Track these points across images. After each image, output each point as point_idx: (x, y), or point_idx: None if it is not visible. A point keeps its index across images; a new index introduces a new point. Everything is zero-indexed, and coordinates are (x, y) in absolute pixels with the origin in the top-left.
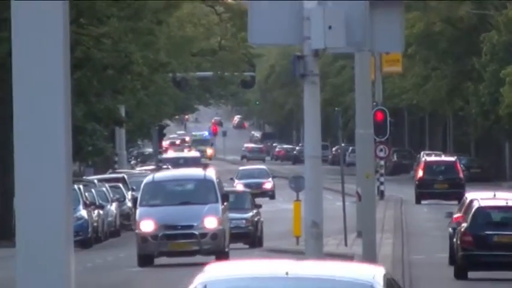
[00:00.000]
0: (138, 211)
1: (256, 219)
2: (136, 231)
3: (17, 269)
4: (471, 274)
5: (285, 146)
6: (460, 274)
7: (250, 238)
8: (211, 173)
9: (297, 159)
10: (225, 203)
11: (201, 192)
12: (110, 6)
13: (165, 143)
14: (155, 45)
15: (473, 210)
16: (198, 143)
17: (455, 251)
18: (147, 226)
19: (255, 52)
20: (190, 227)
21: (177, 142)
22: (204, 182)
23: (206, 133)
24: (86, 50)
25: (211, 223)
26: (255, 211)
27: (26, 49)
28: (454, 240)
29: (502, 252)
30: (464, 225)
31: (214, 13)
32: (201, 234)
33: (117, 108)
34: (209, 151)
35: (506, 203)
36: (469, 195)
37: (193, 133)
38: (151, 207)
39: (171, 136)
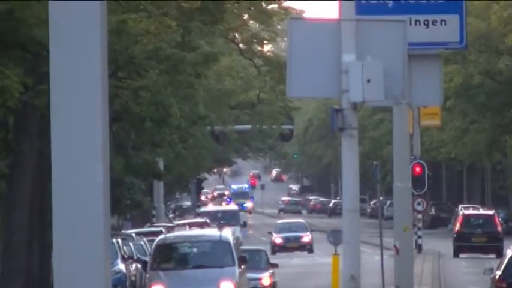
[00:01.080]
0: (148, 275)
1: (273, 280)
2: None
3: None
4: None
5: (322, 199)
6: None
7: None
8: (227, 233)
9: (333, 212)
10: (243, 266)
11: (216, 255)
12: (148, 59)
13: (205, 197)
14: (194, 98)
15: (508, 258)
16: (237, 196)
17: None
18: None
19: (293, 105)
20: None
21: (215, 194)
22: (220, 243)
23: (246, 186)
24: (124, 103)
25: (227, 287)
26: (270, 271)
27: (64, 101)
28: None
29: None
30: (498, 272)
31: (252, 66)
32: None
33: (155, 162)
34: (249, 204)
35: None
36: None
37: (233, 185)
38: (163, 271)
39: (217, 187)
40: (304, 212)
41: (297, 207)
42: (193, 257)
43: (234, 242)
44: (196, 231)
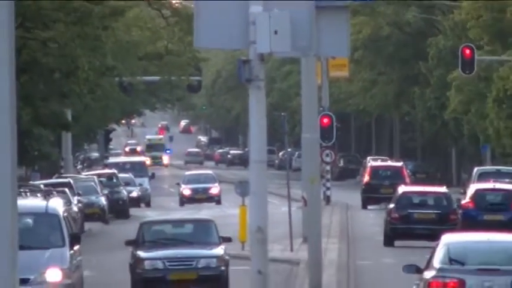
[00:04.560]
0: None
1: (227, 257)
2: None
3: None
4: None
5: (221, 150)
6: (388, 242)
7: (222, 283)
8: (55, 204)
9: (231, 163)
10: (76, 247)
11: (40, 233)
12: (56, 11)
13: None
14: (102, 50)
15: (399, 193)
16: (152, 148)
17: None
18: None
19: (202, 56)
20: (25, 281)
21: (127, 150)
22: (46, 217)
23: (162, 137)
24: (32, 54)
25: (54, 276)
26: (222, 247)
27: None
28: (385, 218)
29: (421, 225)
30: (392, 205)
31: (160, 17)
32: None
33: (63, 113)
34: (165, 159)
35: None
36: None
37: (148, 137)
38: None
39: (129, 142)
40: (211, 163)
41: (197, 158)
42: None
43: (65, 214)
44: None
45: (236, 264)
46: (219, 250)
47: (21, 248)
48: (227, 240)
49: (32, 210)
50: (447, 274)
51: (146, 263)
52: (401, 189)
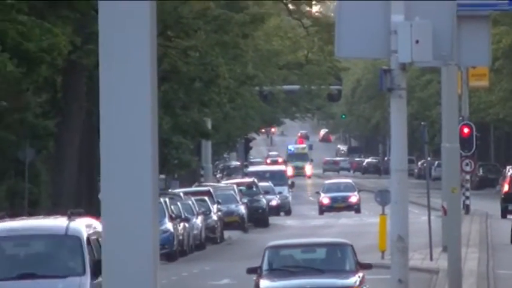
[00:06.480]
0: None
1: (365, 287)
2: None
3: (104, 283)
4: None
5: (357, 159)
6: None
7: None
8: (78, 225)
9: (366, 171)
10: (100, 278)
11: (57, 258)
12: (196, 19)
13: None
14: (242, 59)
15: None
16: (294, 157)
17: None
18: None
19: (342, 66)
20: None
21: (268, 161)
22: (65, 240)
23: (305, 146)
24: (173, 63)
25: None
26: (360, 275)
27: (113, 60)
28: None
29: None
30: None
31: (301, 26)
32: None
33: (203, 121)
34: (307, 168)
35: None
36: None
37: (290, 146)
38: None
39: (270, 154)
40: (347, 172)
41: (335, 166)
42: (21, 261)
43: (92, 236)
44: (32, 222)
45: (376, 274)
46: (356, 278)
47: (33, 276)
48: (367, 267)
49: (48, 232)
50: None
51: None
52: None
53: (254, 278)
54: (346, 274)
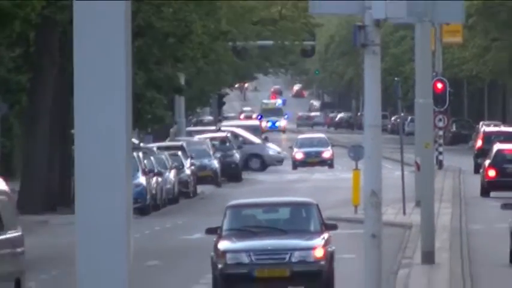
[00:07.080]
0: None
1: (330, 249)
2: None
3: (76, 236)
4: None
5: (331, 114)
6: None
7: (322, 282)
8: None
9: (338, 125)
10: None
11: None
12: None
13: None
14: (216, 15)
15: (495, 150)
16: (269, 113)
17: None
18: None
19: (315, 21)
20: None
21: (242, 117)
22: None
23: (280, 101)
24: (147, 19)
25: None
26: (325, 236)
27: (87, 15)
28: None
29: None
30: (488, 161)
31: None
32: None
33: (177, 77)
34: (282, 122)
35: None
36: None
37: (264, 101)
38: None
39: (244, 109)
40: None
41: (309, 121)
42: None
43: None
44: None
45: (349, 228)
46: (320, 240)
47: None
48: (332, 227)
49: None
50: None
51: (228, 256)
52: (497, 146)
53: (214, 239)
54: (310, 235)
